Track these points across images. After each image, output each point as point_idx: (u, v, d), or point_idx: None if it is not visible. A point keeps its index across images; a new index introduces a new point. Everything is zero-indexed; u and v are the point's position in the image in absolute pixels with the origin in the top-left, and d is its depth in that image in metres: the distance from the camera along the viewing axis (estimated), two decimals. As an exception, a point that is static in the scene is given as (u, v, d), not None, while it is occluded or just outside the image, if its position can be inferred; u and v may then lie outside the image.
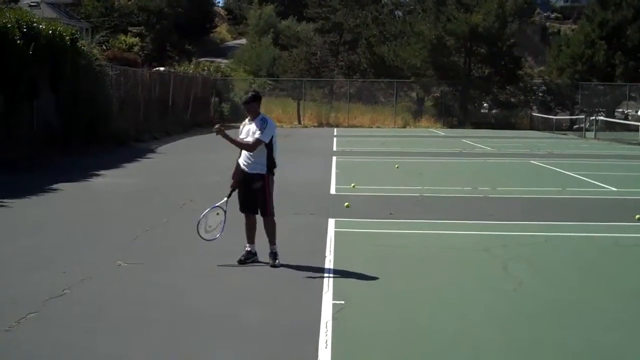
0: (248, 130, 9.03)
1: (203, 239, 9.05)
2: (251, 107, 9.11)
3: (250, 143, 8.88)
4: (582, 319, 7.16)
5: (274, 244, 9.00)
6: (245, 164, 9.00)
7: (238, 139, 9.06)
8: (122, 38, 63.68)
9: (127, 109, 29.19)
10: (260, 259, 9.08)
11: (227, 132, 8.96)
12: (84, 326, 6.64)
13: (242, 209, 9.15)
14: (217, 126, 9.20)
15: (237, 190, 9.10)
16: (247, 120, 9.18)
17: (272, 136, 8.98)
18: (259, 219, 9.09)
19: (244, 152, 9.02)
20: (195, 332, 6.52)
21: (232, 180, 9.13)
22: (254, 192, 8.97)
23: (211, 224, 9.12)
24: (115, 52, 45.12)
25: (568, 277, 8.75)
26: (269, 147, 8.96)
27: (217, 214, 9.15)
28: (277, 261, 8.88)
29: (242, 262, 8.97)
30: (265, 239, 9.00)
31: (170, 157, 24.22)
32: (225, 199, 9.15)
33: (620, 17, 55.68)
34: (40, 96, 21.56)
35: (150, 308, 7.21)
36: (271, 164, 9.03)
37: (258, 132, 8.87)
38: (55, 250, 9.71)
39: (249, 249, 9.10)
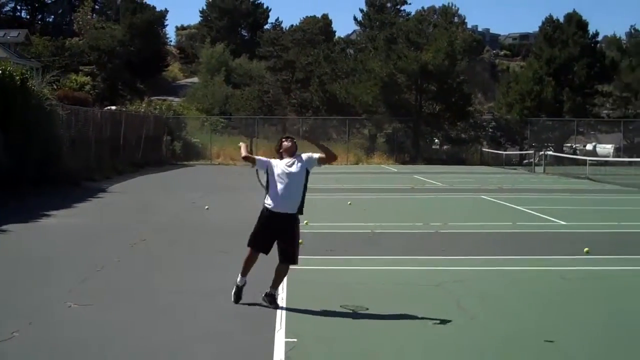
0: (289, 167, 8.87)
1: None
2: (293, 146, 9.05)
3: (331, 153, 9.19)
4: (534, 352, 7.24)
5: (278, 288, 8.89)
6: (282, 200, 8.77)
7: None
8: (73, 77, 63.36)
9: (79, 149, 28.97)
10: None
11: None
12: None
13: (261, 248, 8.94)
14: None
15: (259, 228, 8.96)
16: (276, 160, 9.03)
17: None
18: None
19: (288, 186, 8.77)
20: (147, 373, 6.48)
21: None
22: (285, 234, 8.81)
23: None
24: (66, 91, 44.83)
25: (520, 311, 8.84)
26: (306, 185, 8.91)
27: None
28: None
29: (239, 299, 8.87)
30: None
31: (122, 196, 24.05)
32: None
33: (567, 55, 57.02)
34: (-11, 136, 21.31)
35: (102, 348, 7.13)
36: (302, 206, 8.92)
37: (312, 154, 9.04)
38: (3, 292, 9.56)
39: (242, 284, 8.93)
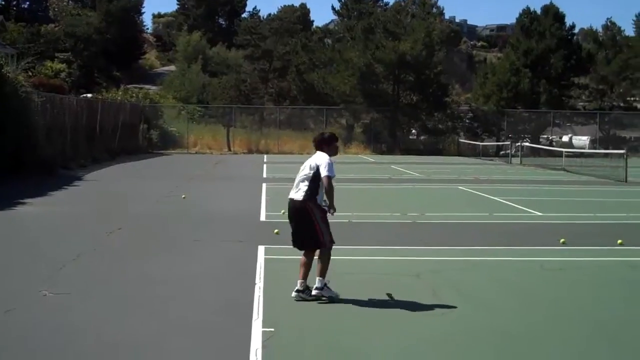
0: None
1: None
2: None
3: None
4: (510, 341, 7.27)
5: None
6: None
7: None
8: (49, 64, 62.68)
9: (54, 136, 28.69)
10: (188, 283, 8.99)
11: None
12: (8, 358, 6.49)
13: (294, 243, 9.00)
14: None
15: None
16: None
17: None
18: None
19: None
20: (123, 362, 6.43)
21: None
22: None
23: None
24: (42, 78, 44.35)
25: (496, 301, 8.85)
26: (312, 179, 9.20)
27: None
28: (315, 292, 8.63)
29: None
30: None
31: (97, 184, 23.89)
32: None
33: (544, 46, 57.23)
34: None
35: (76, 338, 7.07)
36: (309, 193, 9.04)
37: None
38: (-22, 280, 9.48)
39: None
